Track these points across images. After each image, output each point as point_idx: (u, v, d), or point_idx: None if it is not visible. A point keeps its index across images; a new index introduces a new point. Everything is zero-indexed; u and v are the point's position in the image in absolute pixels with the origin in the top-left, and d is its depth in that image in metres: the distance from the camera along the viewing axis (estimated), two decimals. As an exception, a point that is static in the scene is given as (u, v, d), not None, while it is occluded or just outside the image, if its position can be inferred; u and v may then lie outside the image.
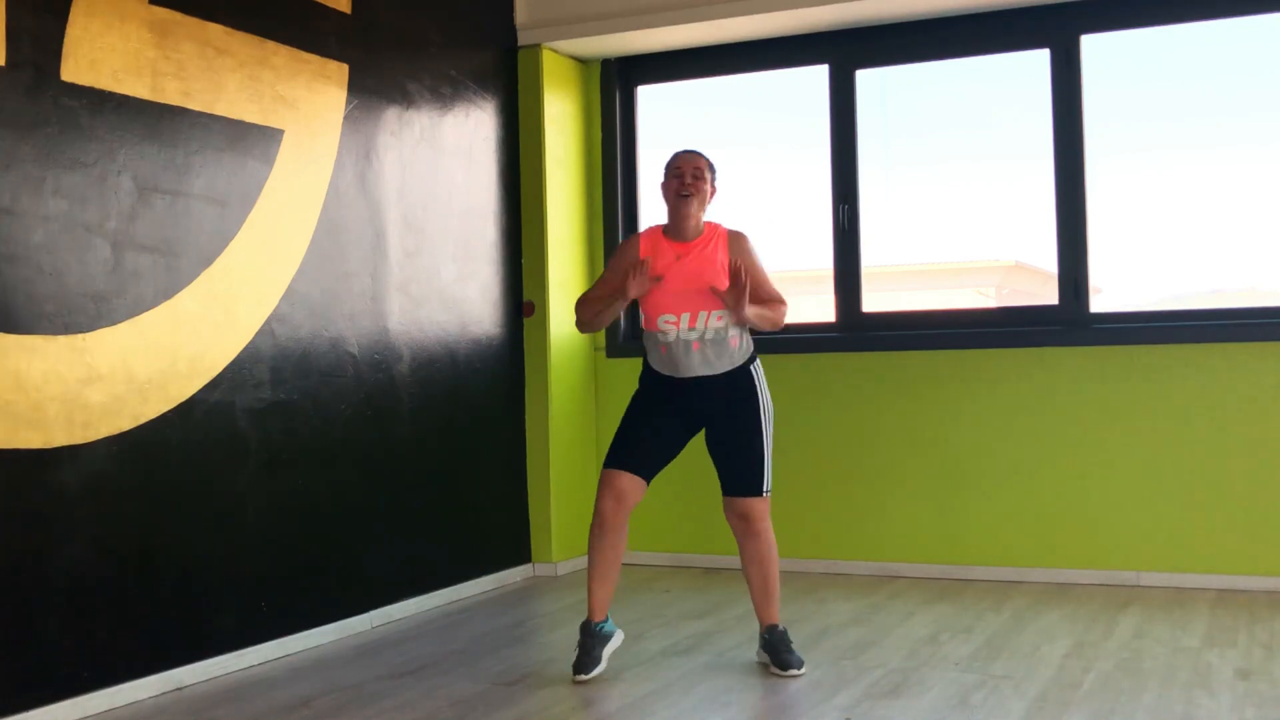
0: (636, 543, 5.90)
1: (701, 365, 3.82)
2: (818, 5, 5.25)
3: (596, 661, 3.84)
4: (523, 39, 5.70)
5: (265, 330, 4.24)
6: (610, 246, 5.94)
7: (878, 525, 5.49)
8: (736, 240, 3.88)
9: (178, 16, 3.92)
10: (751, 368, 3.91)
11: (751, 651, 4.12)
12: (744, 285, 3.72)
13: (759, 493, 3.88)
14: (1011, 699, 3.52)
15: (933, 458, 5.40)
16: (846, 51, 5.61)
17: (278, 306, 4.29)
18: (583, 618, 4.26)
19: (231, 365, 4.09)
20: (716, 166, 3.96)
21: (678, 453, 3.98)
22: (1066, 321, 5.25)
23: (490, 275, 5.45)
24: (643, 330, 3.96)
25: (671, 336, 3.83)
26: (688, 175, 3.84)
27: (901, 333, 5.51)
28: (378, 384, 4.76)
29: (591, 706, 3.59)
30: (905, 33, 5.50)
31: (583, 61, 5.99)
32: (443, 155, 5.17)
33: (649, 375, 3.96)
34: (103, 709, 3.61)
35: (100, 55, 3.66)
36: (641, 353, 5.86)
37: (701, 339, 3.81)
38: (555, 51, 5.78)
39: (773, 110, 6.39)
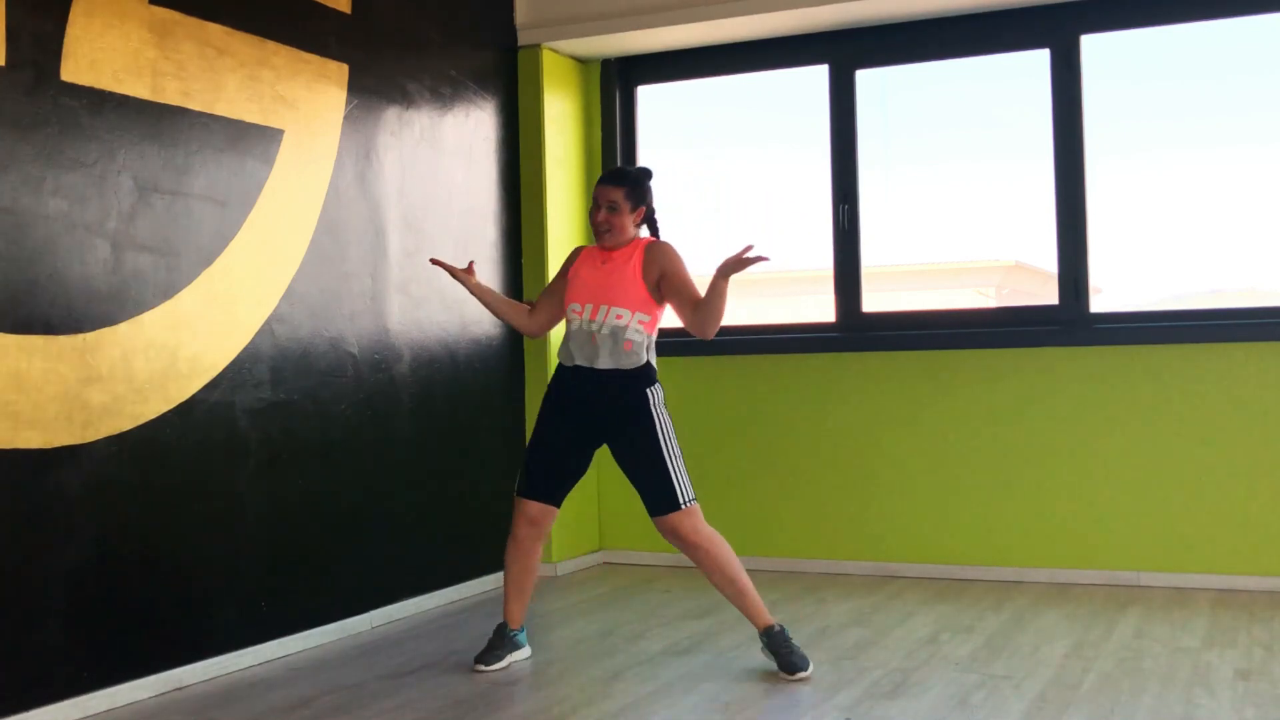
0: (636, 543, 5.91)
1: (594, 358, 3.89)
2: (818, 5, 5.25)
3: (499, 659, 4.00)
4: (523, 39, 5.70)
5: (265, 330, 4.24)
6: (610, 246, 5.94)
7: (878, 525, 5.49)
8: (652, 249, 3.92)
9: (178, 16, 3.92)
10: (649, 391, 3.92)
11: (752, 651, 4.12)
12: (738, 257, 3.76)
13: (678, 506, 3.90)
14: (1011, 699, 3.53)
15: (933, 458, 5.40)
16: (846, 51, 5.61)
17: (278, 306, 4.29)
18: (583, 618, 4.28)
19: (231, 365, 4.09)
20: (641, 178, 3.98)
21: (587, 467, 4.08)
22: (1066, 321, 5.25)
23: (490, 275, 5.45)
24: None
25: (575, 325, 3.94)
26: (602, 210, 3.93)
27: (901, 333, 5.51)
28: (378, 384, 4.76)
29: (591, 706, 3.59)
30: (905, 33, 5.50)
31: (583, 61, 5.99)
32: (443, 155, 5.17)
33: (556, 374, 4.05)
34: (103, 709, 3.61)
35: (100, 55, 3.66)
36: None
37: (599, 333, 3.88)
38: (555, 51, 5.78)
39: (773, 110, 6.39)
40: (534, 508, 3.98)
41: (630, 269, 3.89)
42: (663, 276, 3.88)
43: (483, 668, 3.95)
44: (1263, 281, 5.42)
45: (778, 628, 3.90)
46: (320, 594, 4.45)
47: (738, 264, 3.76)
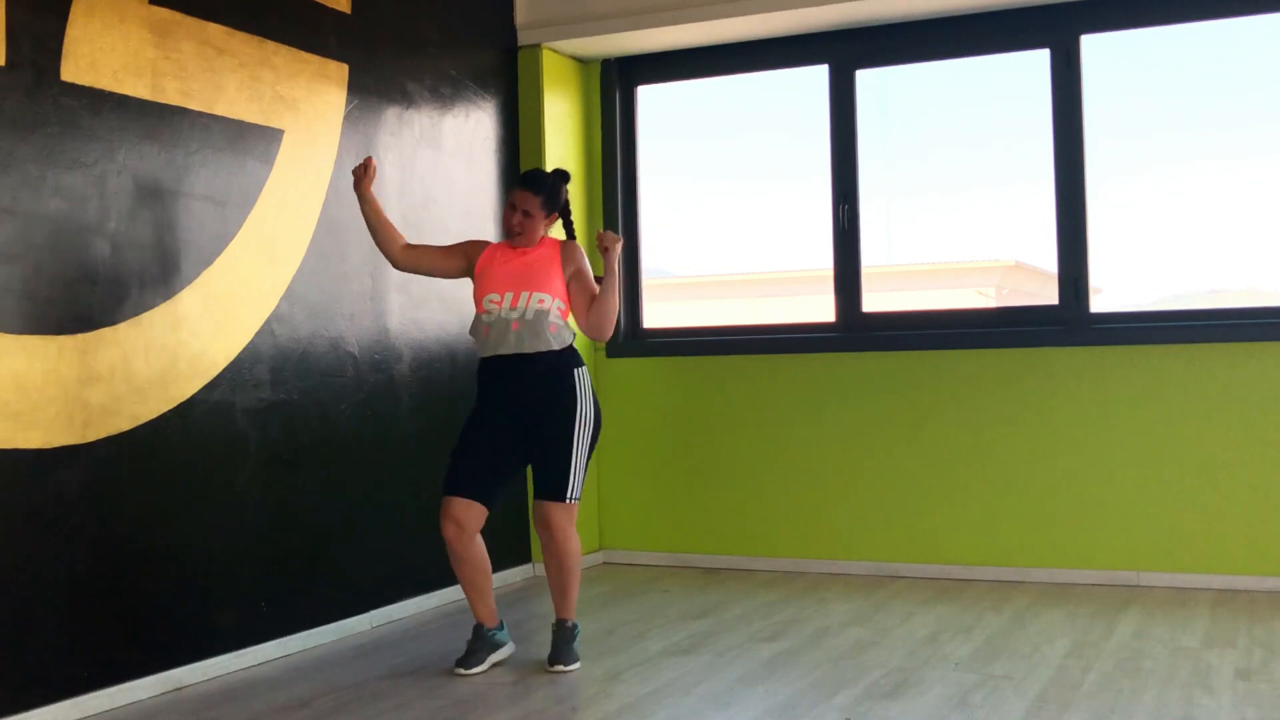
0: (636, 543, 5.91)
1: (517, 343, 3.92)
2: (818, 5, 5.25)
3: (480, 661, 3.97)
4: (523, 39, 5.70)
5: (265, 330, 4.24)
6: (610, 246, 5.94)
7: (878, 525, 5.49)
8: (569, 247, 4.06)
9: (178, 16, 3.92)
10: (576, 372, 3.98)
11: (751, 651, 4.13)
12: (610, 244, 3.99)
13: (562, 498, 3.94)
14: (1011, 699, 3.53)
15: (933, 457, 5.40)
16: (846, 51, 5.61)
17: (278, 306, 4.29)
18: (583, 618, 4.28)
19: (231, 365, 4.09)
20: (556, 184, 4.05)
21: (519, 466, 4.07)
22: (1066, 321, 5.25)
23: (490, 275, 5.45)
24: (472, 323, 4.06)
25: (494, 315, 3.95)
26: (517, 215, 3.99)
27: (901, 333, 5.51)
28: (378, 384, 4.76)
29: (591, 706, 3.59)
30: (905, 33, 5.50)
31: (583, 61, 5.99)
32: (443, 155, 5.17)
33: (480, 375, 4.04)
34: (103, 709, 3.61)
35: (100, 55, 3.66)
36: (643, 352, 5.90)
37: (521, 319, 3.92)
38: (555, 51, 5.78)
39: (772, 110, 6.39)
40: (459, 507, 3.90)
41: (551, 261, 3.99)
42: (575, 275, 4.02)
43: (463, 671, 3.93)
44: (1263, 281, 5.42)
45: (570, 624, 4.03)
46: (320, 594, 4.45)
47: (610, 242, 3.98)
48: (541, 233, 4.04)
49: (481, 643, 4.01)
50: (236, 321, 4.12)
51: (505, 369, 3.95)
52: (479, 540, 3.98)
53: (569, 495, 3.95)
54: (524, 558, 5.63)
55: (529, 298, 3.93)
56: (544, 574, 5.58)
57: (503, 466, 4.01)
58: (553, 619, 4.10)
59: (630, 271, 6.00)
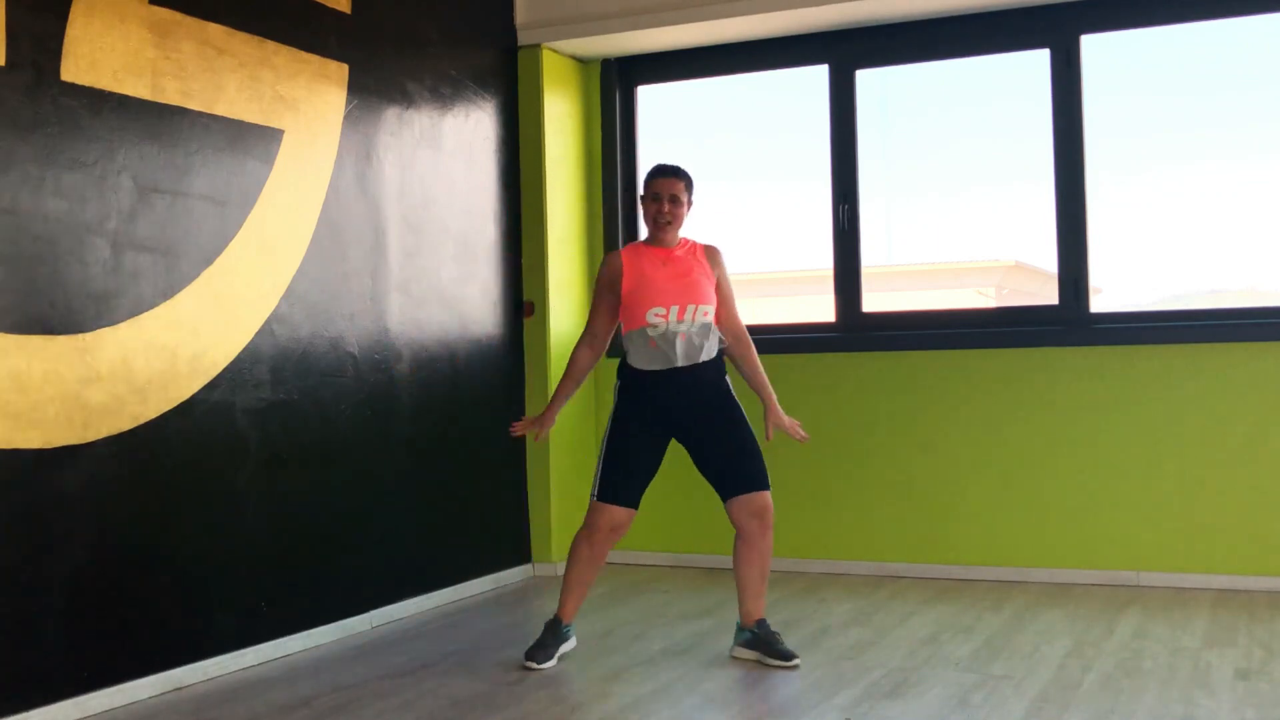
0: (636, 543, 5.91)
1: (685, 356, 3.96)
2: (818, 5, 5.25)
3: (551, 656, 4.01)
4: (523, 39, 5.70)
5: (265, 330, 4.24)
6: (610, 246, 5.94)
7: (878, 525, 5.49)
8: (713, 254, 4.12)
9: (178, 16, 3.92)
10: (727, 377, 4.09)
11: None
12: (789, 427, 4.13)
13: (768, 486, 4.03)
14: (1011, 699, 3.52)
15: (933, 458, 5.40)
16: (846, 51, 5.61)
17: (278, 306, 4.29)
18: (583, 618, 4.27)
19: (231, 365, 4.09)
20: (692, 178, 4.09)
21: (656, 470, 4.13)
22: (1066, 321, 5.25)
23: (490, 275, 5.46)
24: (622, 335, 4.06)
25: (661, 329, 3.95)
26: (666, 202, 4.01)
27: (901, 333, 5.51)
28: (378, 384, 4.76)
29: (591, 706, 3.59)
30: (905, 33, 5.49)
31: (583, 61, 5.99)
32: (443, 155, 5.17)
33: (630, 383, 4.04)
34: (103, 709, 3.61)
35: (100, 55, 3.66)
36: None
37: (688, 331, 3.96)
38: (555, 51, 5.78)
39: (773, 110, 6.39)
40: (620, 513, 4.01)
41: (701, 268, 4.03)
42: (719, 281, 4.08)
43: (535, 665, 3.95)
44: (1263, 281, 5.42)
45: (765, 621, 4.06)
46: (320, 594, 4.45)
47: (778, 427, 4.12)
48: (685, 218, 4.06)
49: (555, 637, 4.05)
50: (236, 321, 4.12)
51: (672, 381, 3.97)
52: (612, 546, 4.11)
53: (769, 482, 4.04)
54: (524, 558, 5.63)
55: (695, 311, 3.95)
56: (544, 574, 5.61)
57: (653, 473, 4.09)
58: (748, 621, 4.05)
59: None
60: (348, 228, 4.62)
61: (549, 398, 5.60)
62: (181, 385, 3.91)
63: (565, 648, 4.10)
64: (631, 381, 4.03)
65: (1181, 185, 5.50)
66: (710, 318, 3.99)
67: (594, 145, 6.00)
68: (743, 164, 7.23)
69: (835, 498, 5.55)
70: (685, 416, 4.01)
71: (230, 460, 4.09)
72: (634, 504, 4.04)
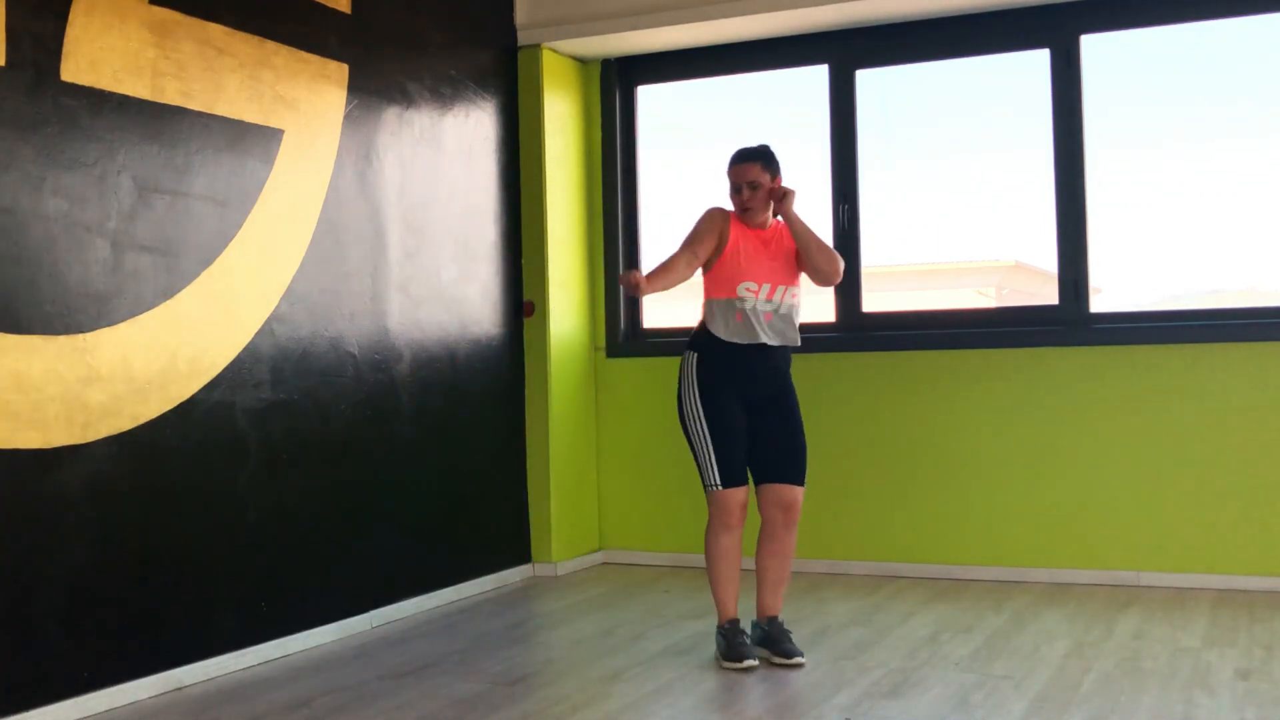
0: (636, 543, 5.91)
1: (770, 335, 3.99)
2: (818, 5, 5.25)
3: (750, 653, 3.93)
4: (523, 39, 5.70)
5: (265, 330, 4.24)
6: (610, 246, 5.94)
7: (878, 525, 5.49)
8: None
9: (178, 16, 3.92)
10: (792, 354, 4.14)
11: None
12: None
13: (803, 481, 4.06)
14: (1011, 699, 3.53)
15: (933, 458, 5.40)
16: (846, 51, 5.61)
17: (278, 306, 4.29)
18: (583, 618, 4.26)
19: (231, 365, 4.09)
20: (770, 153, 4.07)
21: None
22: (1066, 321, 5.25)
23: (490, 275, 5.46)
24: (710, 302, 4.02)
25: (749, 304, 3.98)
26: (745, 190, 4.01)
27: (901, 333, 5.51)
28: (378, 384, 4.76)
29: (591, 706, 3.59)
30: (905, 33, 5.50)
31: (583, 61, 5.99)
32: (443, 155, 5.17)
33: (711, 353, 4.00)
34: (103, 709, 3.61)
35: (100, 55, 3.66)
36: (643, 352, 5.90)
37: (775, 311, 4.00)
38: (555, 51, 5.78)
39: (773, 110, 6.39)
40: (743, 494, 3.98)
41: (791, 251, 4.05)
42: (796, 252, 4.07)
43: (750, 663, 3.88)
44: (1263, 281, 5.41)
45: (781, 619, 4.05)
46: (320, 594, 4.45)
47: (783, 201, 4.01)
48: (770, 206, 4.03)
49: (742, 634, 3.99)
50: (236, 321, 4.12)
51: (753, 357, 3.98)
52: None
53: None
54: (524, 558, 5.63)
55: (784, 292, 4.00)
56: (544, 574, 5.60)
57: (748, 445, 4.05)
58: (761, 616, 4.06)
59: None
60: (348, 228, 4.62)
61: (549, 399, 5.61)
62: (181, 385, 3.91)
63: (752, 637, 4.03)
64: (713, 352, 4.00)
65: (1181, 185, 5.50)
66: (797, 300, 4.04)
67: (594, 145, 6.00)
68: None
69: (835, 498, 5.55)
70: (756, 394, 4.02)
71: (230, 460, 4.09)
72: (746, 481, 4.00)
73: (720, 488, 3.96)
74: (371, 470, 4.72)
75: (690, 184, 7.29)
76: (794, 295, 4.03)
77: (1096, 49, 5.24)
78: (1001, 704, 3.48)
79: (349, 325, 4.62)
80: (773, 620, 4.04)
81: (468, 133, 5.35)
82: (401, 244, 4.90)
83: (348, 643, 4.43)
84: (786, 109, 6.28)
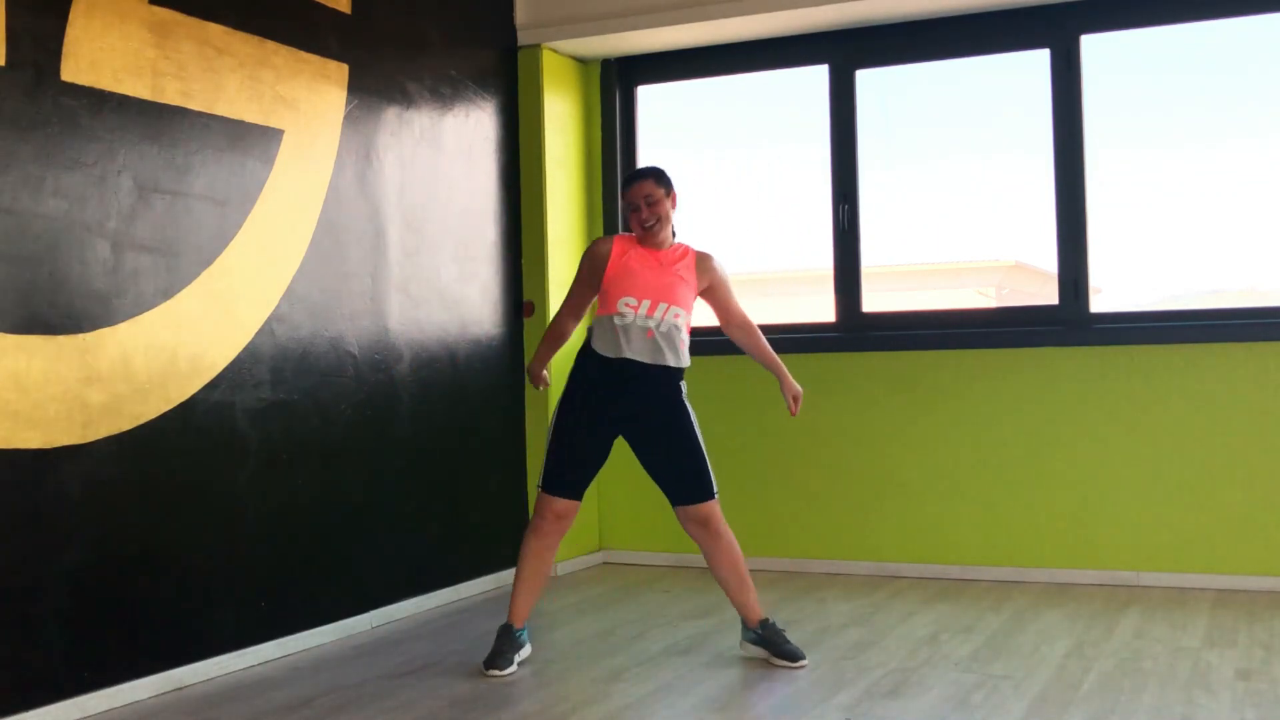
0: (636, 543, 5.91)
1: (647, 354, 3.94)
2: (818, 5, 5.25)
3: (510, 662, 3.96)
4: (523, 39, 5.70)
5: (265, 330, 4.24)
6: (610, 246, 5.94)
7: (878, 525, 5.49)
8: (704, 261, 4.09)
9: (178, 16, 3.92)
10: (681, 384, 4.06)
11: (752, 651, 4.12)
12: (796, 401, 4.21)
13: (711, 496, 4.01)
14: (1011, 699, 3.53)
15: (933, 458, 5.40)
16: (846, 51, 5.61)
17: (278, 306, 4.29)
18: (583, 618, 4.25)
19: (231, 365, 4.09)
20: (663, 172, 4.05)
21: (604, 463, 4.10)
22: (1066, 321, 5.25)
23: (490, 275, 5.45)
24: (596, 317, 4.03)
25: (628, 319, 3.93)
26: (644, 208, 3.98)
27: (901, 333, 5.51)
28: (378, 384, 4.76)
29: (591, 706, 3.59)
30: (905, 33, 5.50)
31: (583, 61, 5.99)
32: (443, 155, 5.17)
33: (586, 364, 4.01)
34: (103, 709, 3.61)
35: (100, 55, 3.66)
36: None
37: (656, 329, 3.94)
38: (555, 51, 5.78)
39: (773, 110, 6.39)
40: (563, 504, 3.98)
41: (688, 275, 4.02)
42: (711, 288, 4.10)
43: (496, 673, 3.91)
44: (1263, 281, 5.42)
45: (771, 620, 4.02)
46: (320, 594, 4.45)
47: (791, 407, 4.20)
48: (672, 213, 4.02)
49: (510, 643, 3.99)
50: (236, 321, 4.12)
51: (630, 373, 3.94)
52: (560, 541, 4.06)
53: (714, 490, 4.03)
54: (524, 558, 5.62)
55: (666, 310, 3.94)
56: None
57: (599, 462, 4.05)
58: (750, 624, 4.04)
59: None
60: (348, 228, 4.62)
61: (549, 399, 5.61)
62: (181, 385, 3.91)
63: (522, 654, 4.03)
64: (588, 363, 4.00)
65: (1181, 185, 5.50)
66: (681, 320, 3.97)
67: (594, 145, 6.00)
68: (743, 164, 7.23)
69: (835, 498, 5.55)
70: (633, 414, 3.98)
71: (230, 460, 4.09)
72: (578, 496, 4.01)
73: (541, 489, 4.00)
74: (371, 470, 4.72)
75: (690, 184, 7.29)
76: (678, 316, 3.96)
77: (1096, 49, 5.24)
78: (1001, 704, 3.48)
79: (349, 325, 4.62)
80: (764, 623, 4.02)
81: (468, 133, 5.35)
82: (401, 244, 4.90)
83: (348, 643, 4.43)
84: (786, 109, 6.28)
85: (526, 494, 5.65)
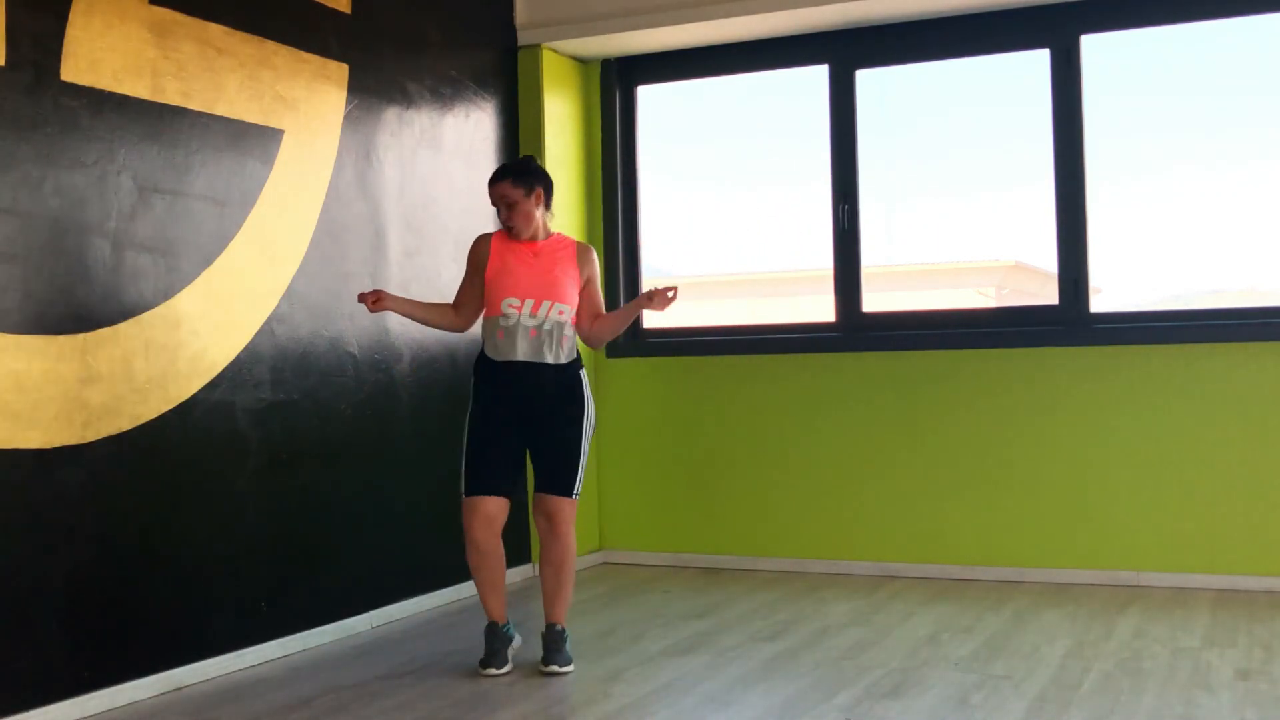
0: (636, 543, 5.91)
1: (532, 353, 3.93)
2: (818, 5, 5.25)
3: (505, 660, 3.97)
4: (523, 39, 5.70)
5: (265, 330, 4.24)
6: (610, 246, 5.94)
7: (878, 525, 5.49)
8: (586, 252, 4.08)
9: (178, 16, 3.92)
10: (580, 373, 4.04)
11: (751, 651, 4.12)
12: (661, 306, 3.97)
13: (569, 493, 4.00)
14: (1011, 699, 3.53)
15: (933, 457, 5.40)
16: (846, 51, 5.61)
17: (278, 306, 4.29)
18: (582, 618, 4.24)
19: (231, 365, 4.09)
20: (532, 170, 4.00)
21: (524, 459, 4.09)
22: (1066, 321, 5.25)
23: (490, 275, 5.45)
24: (483, 320, 4.03)
25: (512, 320, 3.93)
26: (502, 210, 3.99)
27: (901, 333, 5.51)
28: (378, 384, 4.76)
29: (591, 706, 3.59)
30: (905, 33, 5.50)
31: (583, 61, 5.99)
32: (443, 155, 5.17)
33: (483, 372, 4.01)
34: (103, 709, 3.61)
35: (100, 55, 3.66)
36: (643, 352, 5.90)
37: (540, 328, 3.93)
38: (555, 51, 5.78)
39: (773, 110, 6.39)
40: (491, 504, 3.95)
41: (569, 266, 3.99)
42: (588, 283, 4.05)
43: (494, 671, 3.92)
44: (1263, 281, 5.42)
45: (560, 628, 4.01)
46: (320, 594, 4.45)
47: (662, 304, 3.93)
48: (540, 214, 3.99)
49: (500, 640, 4.00)
50: (236, 321, 4.12)
51: (517, 374, 3.94)
52: (500, 539, 4.02)
53: (575, 491, 4.00)
54: (524, 558, 5.63)
55: (550, 308, 3.92)
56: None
57: (519, 461, 4.05)
58: (542, 623, 4.06)
59: (630, 272, 6.00)
60: (348, 228, 4.62)
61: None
62: (181, 385, 3.91)
63: (514, 646, 4.05)
64: (484, 370, 4.00)
65: (1181, 185, 5.50)
66: (566, 318, 3.95)
67: (594, 145, 6.00)
68: (743, 164, 7.23)
69: (835, 498, 5.55)
70: (529, 411, 3.97)
71: (230, 460, 4.09)
72: (501, 492, 3.96)
73: (464, 495, 3.99)
74: (371, 470, 4.72)
75: (690, 184, 7.29)
76: (562, 313, 3.93)
77: (1096, 49, 5.24)
78: (1001, 704, 3.48)
79: (349, 325, 4.62)
80: (550, 627, 4.01)
81: (468, 133, 5.35)
82: (401, 244, 4.90)
83: (347, 643, 4.43)
84: (786, 109, 6.29)
85: (526, 494, 5.64)
